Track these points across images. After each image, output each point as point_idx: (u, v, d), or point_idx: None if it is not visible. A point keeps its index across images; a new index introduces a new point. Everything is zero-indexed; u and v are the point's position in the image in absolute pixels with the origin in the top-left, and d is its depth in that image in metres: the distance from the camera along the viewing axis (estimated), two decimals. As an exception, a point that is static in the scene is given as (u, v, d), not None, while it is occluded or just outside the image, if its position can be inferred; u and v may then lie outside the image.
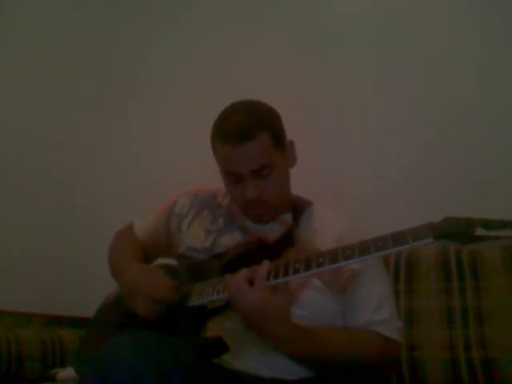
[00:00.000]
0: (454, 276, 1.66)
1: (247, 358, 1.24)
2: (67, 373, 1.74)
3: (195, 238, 1.44)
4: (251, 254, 1.30)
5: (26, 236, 2.43)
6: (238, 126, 1.29)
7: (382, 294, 1.34)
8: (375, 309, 1.30)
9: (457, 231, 0.97)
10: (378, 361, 1.27)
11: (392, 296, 1.38)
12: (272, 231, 1.37)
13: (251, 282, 1.14)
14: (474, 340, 1.58)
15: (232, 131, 1.29)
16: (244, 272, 1.15)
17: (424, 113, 2.00)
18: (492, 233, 0.95)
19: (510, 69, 1.92)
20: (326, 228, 1.38)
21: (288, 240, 1.35)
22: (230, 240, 1.40)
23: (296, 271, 1.12)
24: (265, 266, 1.15)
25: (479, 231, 0.97)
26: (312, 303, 1.29)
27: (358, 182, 2.04)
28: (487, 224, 0.95)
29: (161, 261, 1.53)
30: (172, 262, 1.50)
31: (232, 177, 1.33)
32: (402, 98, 2.04)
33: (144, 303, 1.27)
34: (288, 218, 1.40)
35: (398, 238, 1.04)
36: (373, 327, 1.29)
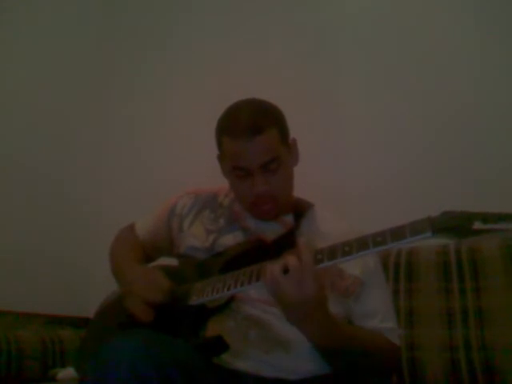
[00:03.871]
0: (453, 276, 1.66)
1: (247, 358, 1.24)
2: (67, 373, 1.75)
3: (196, 237, 1.44)
4: (250, 253, 1.30)
5: (26, 236, 2.42)
6: (247, 121, 1.30)
7: (387, 302, 1.37)
8: (383, 317, 1.32)
9: (455, 225, 0.97)
10: (385, 363, 1.30)
11: (392, 302, 1.40)
12: (273, 231, 1.37)
13: (286, 270, 1.09)
14: (474, 340, 1.58)
15: (242, 126, 1.30)
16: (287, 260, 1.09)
17: (424, 113, 2.00)
18: (490, 226, 0.95)
19: (510, 69, 1.92)
20: (327, 230, 1.38)
21: (288, 241, 1.34)
22: (231, 240, 1.40)
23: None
24: (306, 250, 1.10)
25: (477, 225, 0.96)
26: None
27: (358, 181, 2.05)
28: (485, 218, 0.95)
29: (162, 261, 1.54)
30: (173, 261, 1.50)
31: (240, 172, 1.34)
32: (401, 98, 2.04)
33: (137, 305, 1.28)
34: (289, 218, 1.40)
35: (397, 232, 1.03)
36: (382, 333, 1.31)
